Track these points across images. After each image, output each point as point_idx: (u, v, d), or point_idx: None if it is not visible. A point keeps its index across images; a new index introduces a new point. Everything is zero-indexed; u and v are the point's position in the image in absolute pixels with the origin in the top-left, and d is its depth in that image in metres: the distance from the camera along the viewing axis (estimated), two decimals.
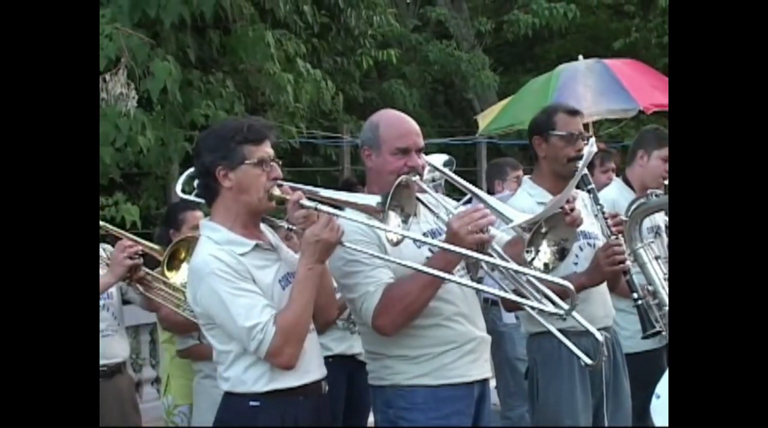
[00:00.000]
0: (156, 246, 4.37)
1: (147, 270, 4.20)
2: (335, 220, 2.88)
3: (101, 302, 4.28)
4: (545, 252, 3.16)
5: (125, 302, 4.53)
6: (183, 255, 4.23)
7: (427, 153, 3.38)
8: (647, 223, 4.37)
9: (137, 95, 6.40)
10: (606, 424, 3.72)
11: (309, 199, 2.96)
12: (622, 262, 3.66)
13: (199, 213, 4.69)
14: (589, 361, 3.18)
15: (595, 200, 3.79)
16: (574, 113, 3.87)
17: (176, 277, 4.24)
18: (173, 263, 4.24)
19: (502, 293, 3.13)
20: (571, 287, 2.88)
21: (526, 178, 4.01)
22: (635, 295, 3.75)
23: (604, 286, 3.79)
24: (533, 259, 3.13)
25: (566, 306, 2.93)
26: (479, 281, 3.45)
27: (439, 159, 3.48)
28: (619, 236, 3.73)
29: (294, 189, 3.00)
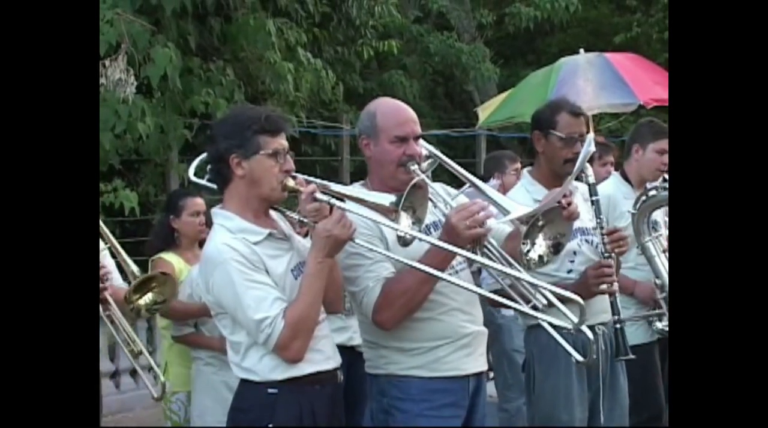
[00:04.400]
0: (134, 268, 4.43)
1: (107, 297, 4.21)
2: (347, 217, 2.88)
3: None
4: (541, 245, 3.16)
5: None
6: (153, 285, 4.38)
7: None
8: None
9: (136, 82, 6.38)
10: (602, 419, 3.72)
11: (323, 193, 2.95)
12: (610, 284, 3.65)
13: (199, 200, 4.70)
14: (580, 358, 3.18)
15: (597, 213, 3.74)
16: (577, 114, 3.82)
17: (141, 300, 4.37)
18: (140, 287, 4.36)
19: (497, 297, 3.08)
20: (581, 301, 2.84)
21: (525, 172, 4.00)
22: (615, 318, 3.71)
23: None
24: (529, 251, 3.12)
25: (575, 319, 2.88)
26: (478, 272, 3.45)
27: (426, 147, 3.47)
28: (613, 255, 3.70)
29: (308, 182, 2.99)
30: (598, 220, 3.73)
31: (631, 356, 3.74)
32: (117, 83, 6.22)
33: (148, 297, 4.40)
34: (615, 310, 3.72)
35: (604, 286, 3.65)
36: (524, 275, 3.03)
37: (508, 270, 3.03)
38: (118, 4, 6.58)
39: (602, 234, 3.71)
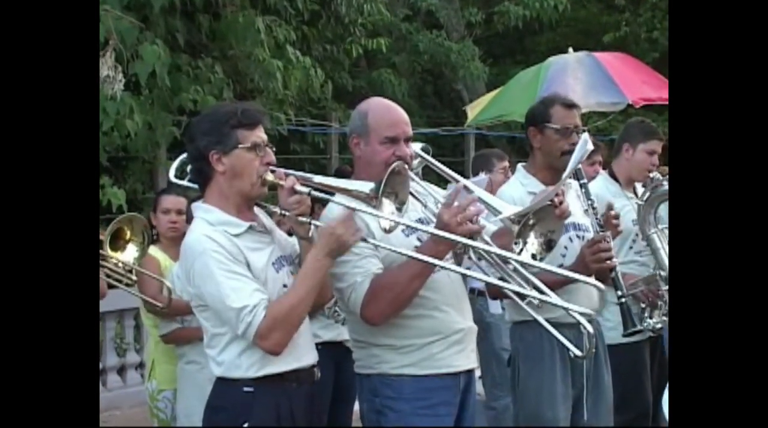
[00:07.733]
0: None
1: None
2: (355, 220, 2.88)
3: None
4: (533, 243, 3.16)
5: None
6: (127, 235, 4.46)
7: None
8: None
9: (124, 79, 6.35)
10: (585, 416, 3.73)
11: (302, 184, 2.95)
12: (609, 259, 3.65)
13: (172, 198, 4.79)
14: (579, 353, 3.18)
15: (587, 195, 3.78)
16: (570, 106, 3.85)
17: (122, 256, 4.44)
18: (118, 243, 4.43)
19: (494, 280, 3.10)
20: (602, 286, 2.97)
21: (520, 166, 4.00)
22: (618, 293, 3.72)
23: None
24: (521, 250, 3.12)
25: (562, 302, 2.96)
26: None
27: (414, 147, 3.47)
28: (608, 232, 3.72)
29: (287, 175, 2.99)
30: (590, 201, 3.75)
31: (640, 327, 3.74)
32: (105, 80, 6.17)
33: (132, 249, 4.47)
34: (618, 285, 3.71)
35: (601, 264, 3.60)
36: (514, 255, 3.03)
37: (501, 252, 3.03)
38: (106, 1, 6.54)
39: (594, 214, 3.72)
